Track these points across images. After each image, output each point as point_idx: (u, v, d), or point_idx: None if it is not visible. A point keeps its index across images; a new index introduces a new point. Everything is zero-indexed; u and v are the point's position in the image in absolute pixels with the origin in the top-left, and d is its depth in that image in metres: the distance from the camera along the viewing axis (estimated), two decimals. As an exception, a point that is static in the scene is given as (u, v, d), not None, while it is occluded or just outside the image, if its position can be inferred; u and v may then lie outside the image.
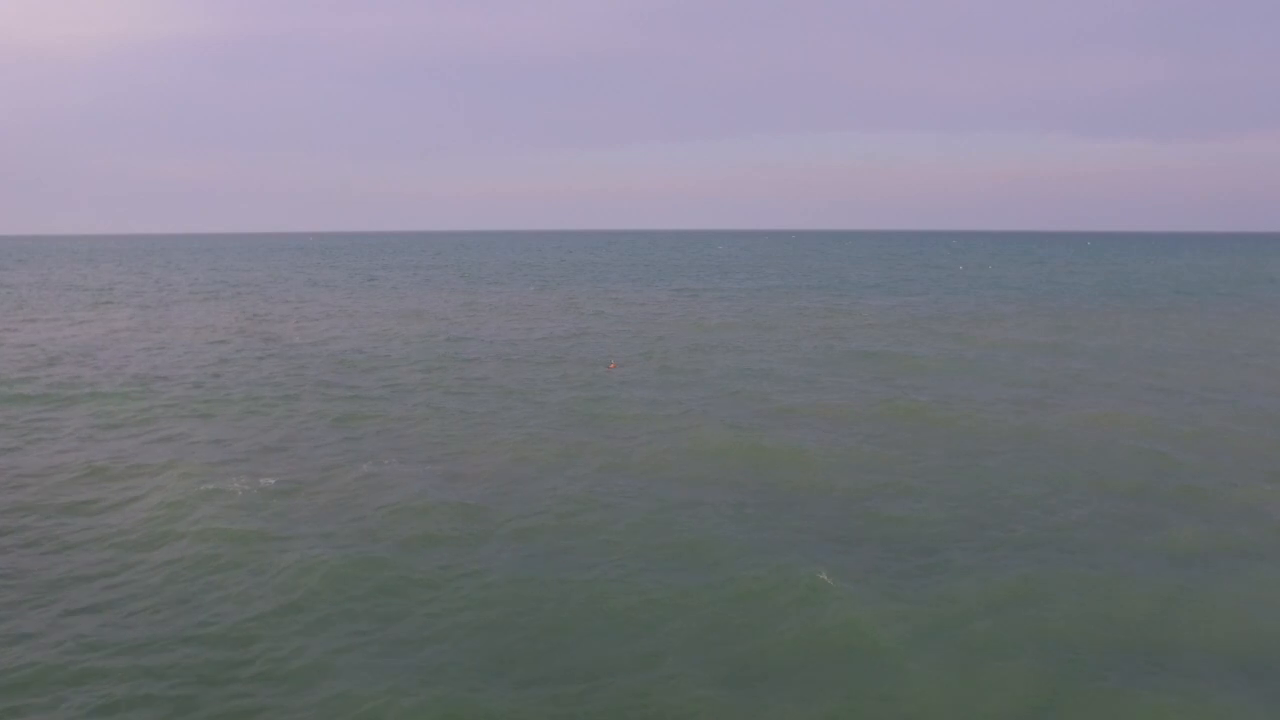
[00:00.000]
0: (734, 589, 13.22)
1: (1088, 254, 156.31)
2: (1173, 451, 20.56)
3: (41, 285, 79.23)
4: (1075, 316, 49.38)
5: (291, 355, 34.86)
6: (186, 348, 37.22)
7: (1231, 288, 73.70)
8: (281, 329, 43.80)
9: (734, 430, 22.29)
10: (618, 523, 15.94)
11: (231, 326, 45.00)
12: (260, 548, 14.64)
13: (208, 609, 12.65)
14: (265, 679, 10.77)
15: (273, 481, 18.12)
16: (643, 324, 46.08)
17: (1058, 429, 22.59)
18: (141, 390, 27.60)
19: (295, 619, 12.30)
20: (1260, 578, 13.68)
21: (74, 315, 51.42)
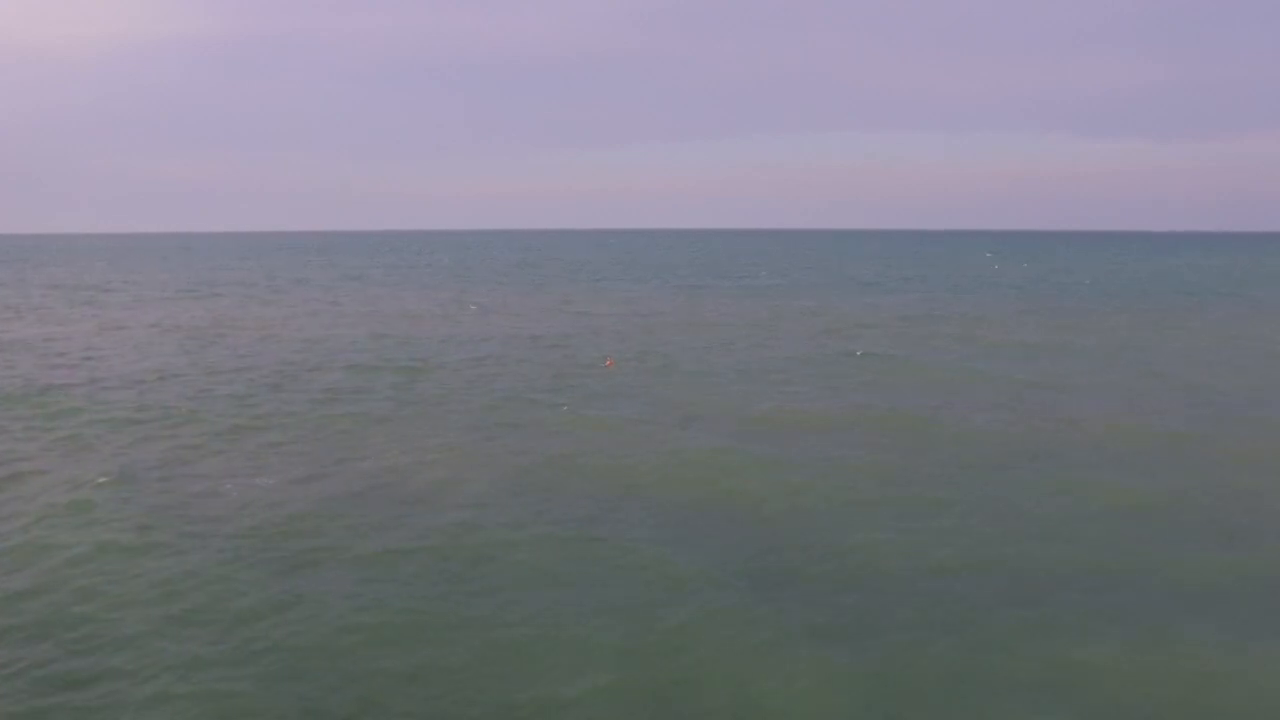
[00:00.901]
0: (655, 635, 11.56)
1: (1087, 253, 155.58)
2: (1192, 464, 19.39)
3: (29, 284, 78.51)
4: (1075, 316, 48.67)
5: (257, 356, 34.06)
6: (148, 348, 36.43)
7: (1232, 287, 73.01)
8: (261, 328, 42.98)
9: (710, 437, 21.40)
10: (542, 544, 14.45)
11: (199, 327, 43.90)
12: (122, 565, 13.63)
13: (39, 629, 11.69)
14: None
15: (166, 493, 17.02)
16: (639, 322, 45.45)
17: (1061, 439, 21.50)
18: (63, 394, 26.45)
19: (133, 642, 11.24)
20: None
21: (55, 314, 50.68)
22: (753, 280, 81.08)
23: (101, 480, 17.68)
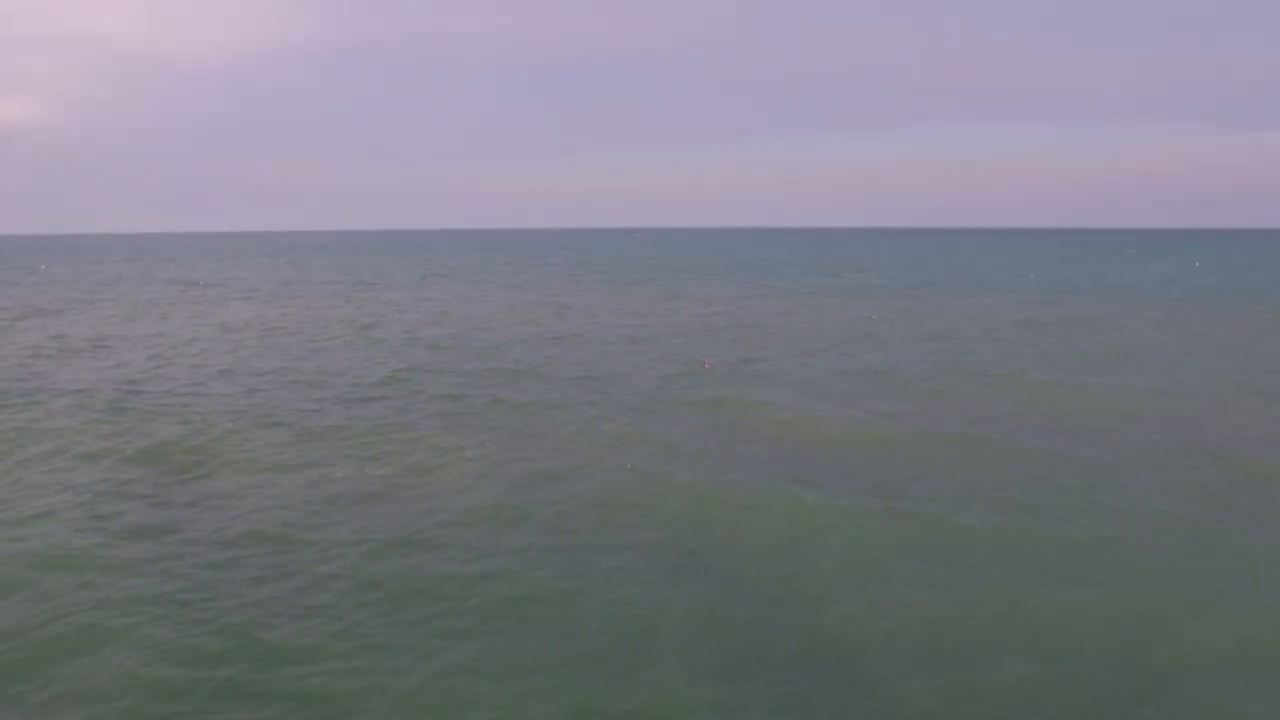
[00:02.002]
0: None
1: (1225, 250, 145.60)
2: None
3: (155, 281, 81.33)
4: (1203, 318, 44.39)
5: (354, 355, 33.60)
6: (249, 346, 36.48)
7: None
8: (363, 325, 42.88)
9: (790, 462, 19.17)
10: (526, 582, 12.68)
11: (287, 326, 44.27)
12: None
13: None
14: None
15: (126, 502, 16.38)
16: (743, 323, 43.86)
17: (1187, 477, 17.95)
18: (123, 396, 26.18)
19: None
20: None
21: (171, 311, 51.86)
22: (858, 280, 78.09)
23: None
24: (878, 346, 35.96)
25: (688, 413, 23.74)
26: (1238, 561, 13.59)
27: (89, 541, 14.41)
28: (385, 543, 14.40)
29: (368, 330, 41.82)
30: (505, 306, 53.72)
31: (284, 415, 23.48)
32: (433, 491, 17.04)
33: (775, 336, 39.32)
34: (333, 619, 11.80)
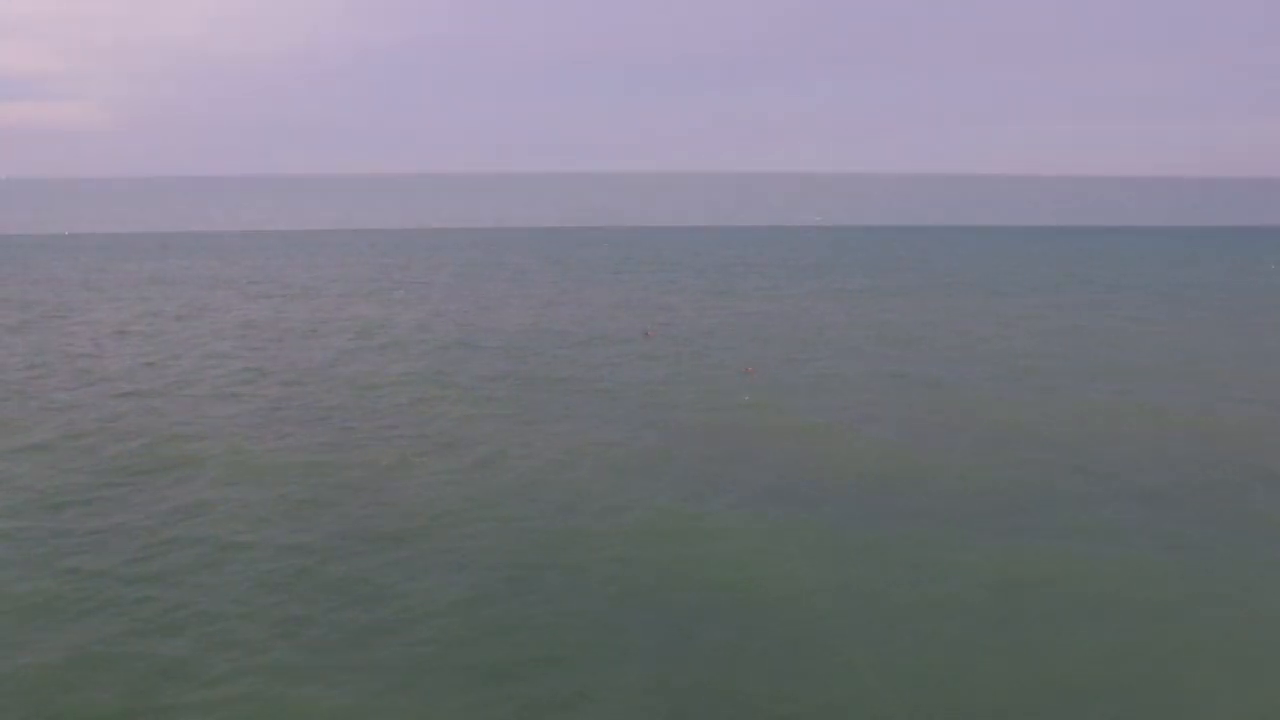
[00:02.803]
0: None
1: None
2: None
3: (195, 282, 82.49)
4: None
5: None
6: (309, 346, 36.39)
7: None
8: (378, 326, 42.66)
9: (803, 488, 18.27)
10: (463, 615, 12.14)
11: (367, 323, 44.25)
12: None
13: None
14: None
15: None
16: (794, 323, 42.94)
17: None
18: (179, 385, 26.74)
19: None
20: None
21: (232, 308, 52.29)
22: (908, 279, 76.03)
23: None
24: (923, 351, 34.73)
25: (712, 420, 23.01)
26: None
27: (51, 550, 14.30)
28: (349, 550, 14.16)
29: (393, 330, 41.70)
30: (544, 303, 53.28)
31: (296, 415, 23.22)
32: (413, 497, 16.64)
33: (820, 338, 38.33)
34: (279, 625, 11.81)
